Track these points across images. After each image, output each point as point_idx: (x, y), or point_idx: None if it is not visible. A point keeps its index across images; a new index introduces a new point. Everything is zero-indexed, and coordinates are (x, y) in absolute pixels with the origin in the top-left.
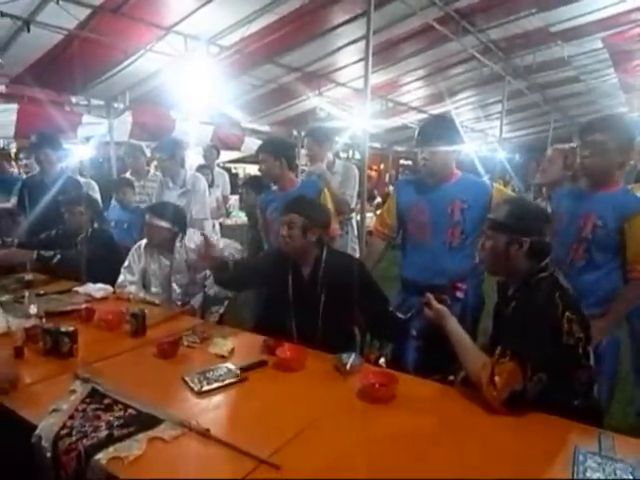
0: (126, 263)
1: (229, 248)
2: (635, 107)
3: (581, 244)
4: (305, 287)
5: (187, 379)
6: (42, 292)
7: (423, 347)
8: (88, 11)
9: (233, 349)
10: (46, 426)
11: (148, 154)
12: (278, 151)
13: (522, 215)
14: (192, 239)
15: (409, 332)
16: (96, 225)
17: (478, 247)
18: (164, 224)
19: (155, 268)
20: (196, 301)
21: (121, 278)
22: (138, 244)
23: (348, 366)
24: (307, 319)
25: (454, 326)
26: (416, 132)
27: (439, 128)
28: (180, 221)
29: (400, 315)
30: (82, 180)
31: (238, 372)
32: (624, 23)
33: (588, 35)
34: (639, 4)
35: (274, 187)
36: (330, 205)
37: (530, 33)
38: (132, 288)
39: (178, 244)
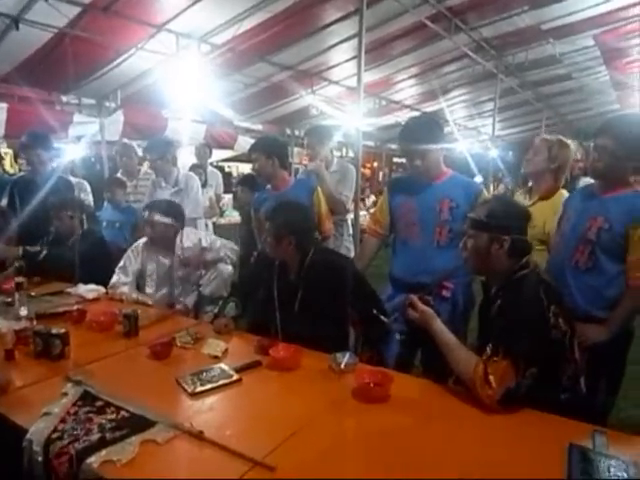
0: (121, 263)
1: (225, 249)
2: (626, 104)
3: (586, 246)
4: (290, 289)
5: (180, 380)
6: (33, 294)
7: (408, 348)
8: (78, 9)
9: (227, 349)
10: (37, 430)
11: (140, 153)
12: (270, 150)
13: (502, 214)
14: (189, 237)
15: (392, 334)
16: (86, 226)
17: (460, 246)
18: (166, 220)
19: (152, 268)
20: (190, 300)
21: (114, 279)
22: (135, 245)
23: (343, 365)
24: (292, 320)
25: (440, 327)
26: (399, 136)
27: (417, 130)
28: (180, 217)
29: (383, 318)
30: (74, 180)
31: (232, 373)
32: (615, 21)
33: (579, 33)
34: (630, 1)
35: (268, 186)
36: (323, 205)
37: (522, 31)
38: (125, 289)
39: (178, 241)
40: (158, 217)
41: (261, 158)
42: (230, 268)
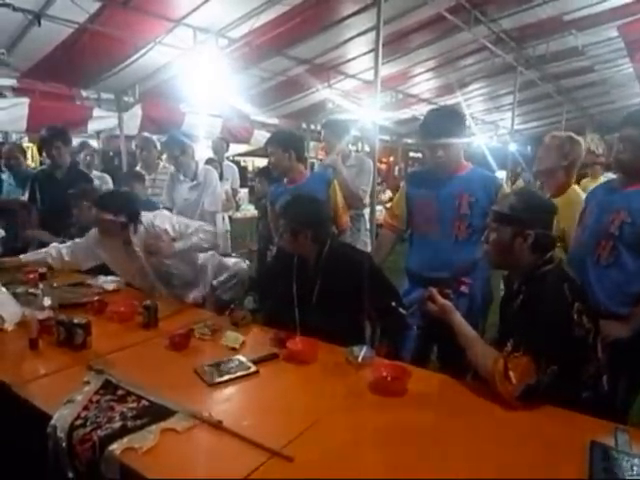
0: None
1: (198, 232)
2: None
3: (608, 241)
4: (308, 282)
5: (199, 371)
6: (55, 285)
7: (425, 343)
8: (98, 4)
9: (244, 342)
10: (61, 417)
11: (159, 147)
12: (287, 143)
13: (526, 207)
14: (153, 226)
15: (411, 327)
16: None
17: (482, 240)
18: (107, 216)
19: (114, 258)
20: (196, 295)
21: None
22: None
23: (360, 359)
24: (309, 312)
25: (460, 321)
26: (421, 126)
27: (442, 121)
28: (127, 209)
29: (402, 311)
30: (96, 174)
31: (250, 365)
32: None
33: (603, 24)
34: None
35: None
36: (339, 198)
37: (543, 22)
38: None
39: (134, 237)
40: (99, 213)
41: (277, 151)
42: (244, 266)
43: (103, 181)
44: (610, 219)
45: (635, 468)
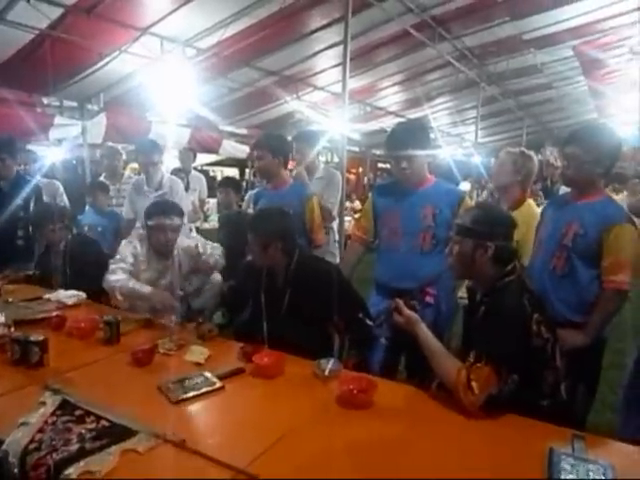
0: (119, 256)
1: (215, 254)
2: (604, 113)
3: (562, 252)
4: (277, 294)
5: (163, 388)
6: (10, 300)
7: (393, 354)
8: (60, 10)
9: (210, 356)
10: (14, 441)
11: (124, 156)
12: (277, 149)
13: (487, 220)
14: (184, 240)
15: (378, 339)
16: (75, 231)
17: (446, 252)
18: (178, 221)
19: (151, 278)
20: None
21: (113, 270)
22: (134, 242)
23: (327, 372)
24: (279, 325)
25: (425, 332)
26: (387, 138)
27: (409, 134)
28: (182, 212)
29: (368, 322)
30: (45, 181)
31: (215, 380)
32: (593, 32)
33: (559, 43)
34: (607, 14)
35: (258, 184)
36: (317, 214)
37: (503, 41)
38: (122, 276)
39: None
40: (169, 220)
41: (267, 156)
42: (219, 277)
43: (54, 189)
44: (564, 231)
45: (591, 474)
